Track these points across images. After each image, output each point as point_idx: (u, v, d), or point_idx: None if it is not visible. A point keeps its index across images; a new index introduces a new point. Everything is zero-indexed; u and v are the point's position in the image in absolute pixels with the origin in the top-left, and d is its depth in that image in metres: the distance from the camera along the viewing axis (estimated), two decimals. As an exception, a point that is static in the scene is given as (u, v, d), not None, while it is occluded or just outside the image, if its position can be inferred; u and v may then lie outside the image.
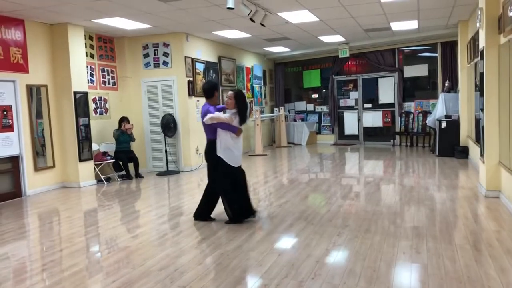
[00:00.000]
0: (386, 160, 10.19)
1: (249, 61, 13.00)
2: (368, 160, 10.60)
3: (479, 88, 6.98)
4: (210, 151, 5.14)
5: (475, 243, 4.16)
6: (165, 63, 9.69)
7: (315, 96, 14.51)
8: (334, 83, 13.87)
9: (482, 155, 6.30)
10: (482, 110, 6.14)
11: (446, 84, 11.03)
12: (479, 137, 7.35)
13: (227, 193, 5.12)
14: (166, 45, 9.65)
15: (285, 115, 14.09)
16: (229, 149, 5.08)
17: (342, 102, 13.88)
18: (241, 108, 5.11)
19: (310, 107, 14.58)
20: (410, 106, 12.82)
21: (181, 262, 3.96)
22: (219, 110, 5.21)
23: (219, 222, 5.30)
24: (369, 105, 13.58)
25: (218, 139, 5.08)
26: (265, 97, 14.19)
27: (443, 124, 10.09)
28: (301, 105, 14.74)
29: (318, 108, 14.45)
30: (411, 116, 12.71)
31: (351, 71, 13.85)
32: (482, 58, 6.13)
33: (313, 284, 3.33)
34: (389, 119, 13.19)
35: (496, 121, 5.87)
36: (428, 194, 6.40)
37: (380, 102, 13.36)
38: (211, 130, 5.13)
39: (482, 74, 6.15)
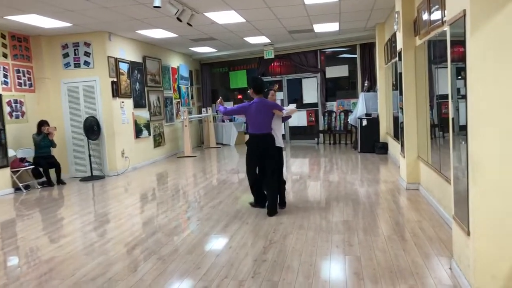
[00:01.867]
0: (311, 158, 10.45)
1: (175, 61, 12.83)
2: (295, 158, 10.81)
3: (397, 87, 7.37)
4: (274, 144, 5.16)
5: (401, 233, 4.34)
6: (86, 63, 9.26)
7: (240, 97, 14.55)
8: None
9: (402, 150, 6.53)
10: (402, 108, 6.42)
11: (366, 84, 11.38)
12: (397, 134, 7.66)
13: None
14: (87, 44, 9.22)
15: (213, 116, 14.09)
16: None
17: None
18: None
19: None
20: (333, 105, 13.18)
21: (115, 270, 3.80)
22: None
23: (149, 224, 5.15)
24: (294, 106, 13.81)
25: (278, 131, 5.17)
26: (192, 97, 14.10)
27: (364, 122, 10.41)
28: (228, 106, 14.72)
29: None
30: (334, 115, 13.05)
31: (276, 72, 14.02)
32: (400, 59, 6.42)
33: (253, 283, 3.33)
34: (313, 118, 13.48)
35: (414, 118, 6.13)
36: (354, 189, 6.59)
37: (304, 102, 13.65)
38: (270, 123, 5.18)
39: (400, 74, 6.44)
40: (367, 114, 10.62)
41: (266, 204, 5.31)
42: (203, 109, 14.03)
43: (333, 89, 13.50)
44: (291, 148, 12.68)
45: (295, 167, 9.38)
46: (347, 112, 12.83)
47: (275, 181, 5.18)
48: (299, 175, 8.20)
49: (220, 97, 5.73)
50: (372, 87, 11.58)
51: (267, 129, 5.17)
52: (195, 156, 11.73)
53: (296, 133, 14.06)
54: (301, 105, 13.79)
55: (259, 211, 5.53)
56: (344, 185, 6.94)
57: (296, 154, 11.52)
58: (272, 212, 5.17)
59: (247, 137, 14.28)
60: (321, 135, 13.31)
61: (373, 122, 10.42)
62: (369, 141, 10.42)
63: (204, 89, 14.79)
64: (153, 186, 8.14)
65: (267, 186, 5.24)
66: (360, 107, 10.90)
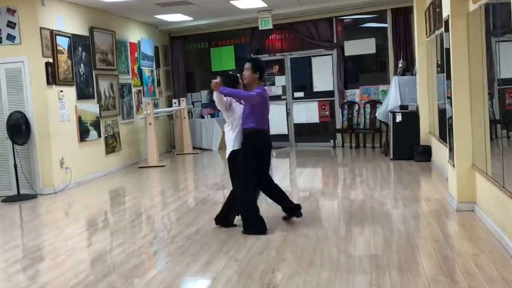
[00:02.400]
0: (326, 168, 10.50)
1: (134, 35, 12.94)
2: (303, 168, 10.82)
3: (443, 68, 7.39)
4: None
5: (451, 273, 4.34)
6: (10, 37, 9.21)
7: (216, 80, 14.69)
8: None
9: (451, 157, 6.59)
10: (450, 97, 6.44)
11: (400, 65, 11.42)
12: (444, 133, 7.63)
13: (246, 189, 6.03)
14: (11, 11, 9.18)
15: (189, 110, 14.17)
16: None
17: (265, 90, 14.04)
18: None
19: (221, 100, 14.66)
20: (355, 94, 13.25)
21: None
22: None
23: (100, 262, 5.16)
24: (301, 94, 13.88)
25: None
26: (158, 84, 14.21)
27: (398, 117, 10.50)
28: (204, 96, 14.94)
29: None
30: (356, 107, 13.15)
31: (276, 49, 14.11)
32: (447, 30, 6.41)
33: None
34: (328, 113, 13.56)
35: (468, 111, 6.12)
36: (385, 210, 6.65)
37: (315, 89, 13.74)
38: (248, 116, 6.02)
39: (447, 50, 6.44)
40: (402, 107, 10.69)
41: (285, 208, 6.27)
42: (174, 101, 14.03)
43: (354, 72, 13.53)
44: (297, 154, 12.72)
45: (302, 180, 9.34)
46: (374, 104, 12.89)
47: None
48: (308, 192, 8.20)
49: (219, 77, 6.04)
50: (408, 69, 11.67)
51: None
52: (164, 166, 11.78)
53: (303, 132, 14.14)
54: (310, 94, 13.81)
55: (254, 242, 5.54)
56: (371, 205, 6.97)
57: (304, 163, 11.53)
58: (299, 211, 6.23)
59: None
60: (338, 135, 13.35)
61: (411, 118, 10.52)
62: (405, 143, 10.52)
63: (175, 73, 14.84)
64: (105, 208, 8.15)
65: (269, 185, 6.23)
66: (392, 97, 10.99)
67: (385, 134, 11.85)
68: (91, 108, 10.77)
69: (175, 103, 13.93)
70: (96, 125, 10.89)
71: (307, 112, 13.80)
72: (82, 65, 10.54)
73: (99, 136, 11.00)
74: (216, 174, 10.47)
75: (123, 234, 6.31)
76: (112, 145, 11.54)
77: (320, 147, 13.42)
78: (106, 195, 9.13)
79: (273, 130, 13.52)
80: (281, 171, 10.63)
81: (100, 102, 11.09)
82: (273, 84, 14.10)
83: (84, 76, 10.59)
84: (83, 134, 10.45)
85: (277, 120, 13.72)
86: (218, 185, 9.18)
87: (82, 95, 10.47)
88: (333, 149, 13.11)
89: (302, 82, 13.96)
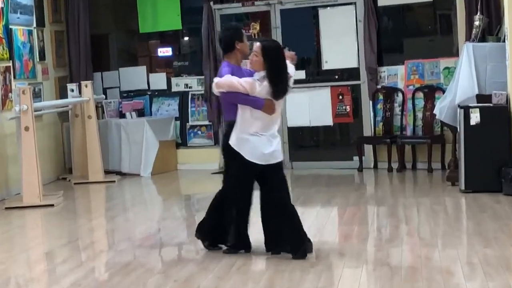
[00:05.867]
0: (346, 207, 10.58)
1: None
2: (304, 207, 10.36)
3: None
4: (228, 137, 7.43)
5: None
6: None
7: (167, 53, 15.12)
8: (214, 21, 14.29)
9: None
10: None
11: (477, 22, 11.53)
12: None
13: (240, 205, 7.58)
14: None
15: (98, 103, 14.47)
16: (252, 135, 7.30)
17: None
18: (273, 69, 7.17)
19: (158, 80, 15.18)
20: (396, 75, 13.57)
21: None
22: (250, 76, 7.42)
23: None
24: (301, 75, 13.63)
25: (234, 127, 7.31)
26: (42, 57, 14.28)
27: (474, 117, 10.67)
28: (135, 77, 15.30)
29: (179, 84, 15.02)
30: (399, 98, 13.41)
31: (256, -7, 14.23)
32: None
33: None
34: (349, 108, 13.73)
35: None
36: (453, 285, 6.64)
37: (325, 67, 13.89)
38: (230, 106, 7.37)
39: None
40: (480, 97, 10.84)
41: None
42: (71, 87, 14.16)
43: (396, 36, 14.04)
44: (293, 182, 12.73)
45: (306, 228, 9.20)
46: (431, 92, 13.14)
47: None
48: (317, 248, 8.10)
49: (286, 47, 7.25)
50: (492, 31, 11.90)
51: (226, 114, 7.72)
52: (52, 205, 11.77)
53: (305, 144, 14.46)
54: (316, 75, 13.95)
55: None
56: (427, 275, 6.91)
57: (306, 198, 11.47)
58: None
59: (182, 153, 15.66)
60: (368, 148, 13.63)
61: (497, 117, 10.68)
62: (487, 163, 10.62)
63: (73, 37, 14.98)
64: None
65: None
66: (463, 80, 11.19)
67: (452, 147, 11.94)
68: None
69: (72, 90, 13.98)
70: None
71: (312, 108, 13.88)
72: None
73: None
74: (149, 219, 10.65)
75: None
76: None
77: (336, 170, 13.55)
78: None
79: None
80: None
81: None
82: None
83: None
84: None
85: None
86: (154, 240, 9.34)
87: None
88: (359, 172, 13.29)
89: (302, 53, 13.62)
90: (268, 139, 7.35)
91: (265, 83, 7.09)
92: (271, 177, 7.54)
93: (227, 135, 7.54)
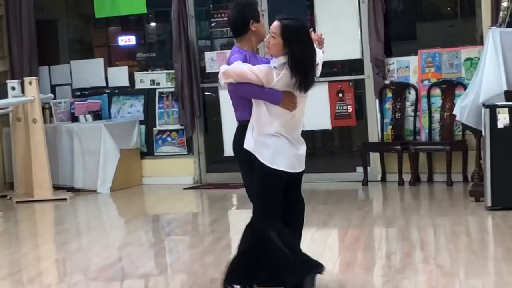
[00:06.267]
0: (348, 229, 10.35)
1: None
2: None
3: None
4: (241, 142, 6.75)
5: None
6: None
7: (129, 42, 15.62)
8: (186, 3, 14.38)
9: None
10: None
11: (505, 4, 11.23)
12: None
13: (271, 223, 6.70)
14: None
15: (45, 105, 14.22)
16: (273, 136, 6.56)
17: (212, 60, 14.32)
18: (296, 54, 6.27)
19: (119, 75, 15.07)
20: (407, 67, 13.21)
21: None
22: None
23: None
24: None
25: (249, 126, 6.69)
26: None
27: (502, 118, 10.33)
28: (91, 72, 15.14)
29: (144, 80, 14.90)
30: (412, 96, 13.13)
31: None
32: None
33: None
34: (351, 107, 13.53)
35: None
36: None
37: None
38: (242, 102, 6.79)
39: None
40: (509, 94, 10.47)
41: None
42: (12, 84, 13.82)
43: (407, 20, 14.32)
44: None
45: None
46: (450, 88, 12.76)
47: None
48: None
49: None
50: None
51: (238, 112, 6.98)
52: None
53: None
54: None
55: None
56: None
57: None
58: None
59: (148, 164, 15.34)
60: (374, 156, 13.41)
61: None
62: None
63: (14, 23, 14.80)
64: None
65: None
66: (488, 74, 10.76)
67: (476, 155, 11.46)
68: None
69: (13, 88, 13.61)
70: None
71: (306, 108, 13.19)
72: None
73: None
74: (108, 246, 10.27)
75: None
76: None
77: (336, 183, 13.35)
78: None
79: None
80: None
81: None
82: (230, 46, 13.47)
83: None
84: None
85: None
86: (112, 271, 8.88)
87: None
88: (364, 186, 13.03)
89: None
90: (291, 143, 6.57)
91: (285, 71, 6.24)
92: (289, 191, 6.90)
93: (238, 139, 6.84)
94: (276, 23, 6.40)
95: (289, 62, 6.24)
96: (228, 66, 6.45)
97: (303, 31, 6.51)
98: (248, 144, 6.56)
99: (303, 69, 6.31)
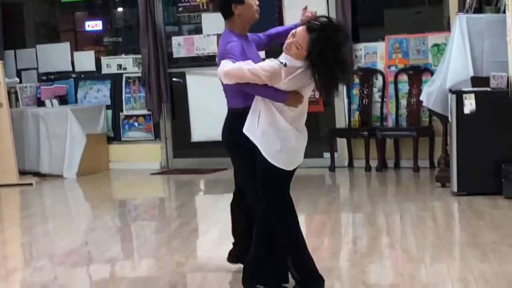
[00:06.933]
0: (315, 214, 10.39)
1: None
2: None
3: None
4: (234, 131, 6.65)
5: None
6: None
7: (96, 26, 15.47)
8: None
9: None
10: None
11: None
12: None
13: (287, 221, 6.58)
14: None
15: (10, 89, 14.18)
16: (282, 130, 6.24)
17: (179, 45, 14.44)
18: (325, 76, 5.86)
19: (85, 60, 15.14)
20: (375, 53, 13.43)
21: None
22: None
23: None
24: (261, 54, 13.56)
25: (254, 111, 6.38)
26: None
27: (469, 104, 10.45)
28: (57, 56, 15.17)
29: (111, 65, 14.94)
30: (379, 82, 13.34)
31: None
32: None
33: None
34: (318, 94, 12.95)
35: None
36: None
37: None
38: (235, 89, 6.53)
39: None
40: (476, 80, 10.62)
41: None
42: None
43: (374, 5, 14.38)
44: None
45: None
46: (417, 74, 12.99)
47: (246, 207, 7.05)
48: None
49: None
50: (491, 0, 11.66)
51: (230, 100, 6.84)
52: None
53: None
54: (278, 54, 13.10)
55: None
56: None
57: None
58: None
59: (115, 149, 15.49)
60: (341, 142, 13.62)
61: (496, 105, 10.51)
62: (483, 160, 10.55)
63: None
64: None
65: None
66: (455, 60, 10.89)
67: (442, 141, 11.70)
68: None
69: None
70: None
71: None
72: None
73: None
74: (74, 231, 10.36)
75: None
76: None
77: (302, 169, 12.76)
78: None
79: (202, 132, 14.37)
80: (219, 221, 10.14)
81: None
82: (197, 31, 14.51)
83: None
84: None
85: (211, 113, 13.51)
86: (77, 255, 8.94)
87: None
88: (331, 172, 13.23)
89: (261, 27, 13.15)
90: (299, 133, 6.28)
91: (300, 75, 5.83)
92: None
93: (230, 128, 6.73)
94: (303, 33, 5.83)
95: (315, 78, 5.82)
96: (230, 67, 6.07)
97: (339, 46, 5.87)
98: (251, 131, 6.29)
99: (329, 88, 6.07)
